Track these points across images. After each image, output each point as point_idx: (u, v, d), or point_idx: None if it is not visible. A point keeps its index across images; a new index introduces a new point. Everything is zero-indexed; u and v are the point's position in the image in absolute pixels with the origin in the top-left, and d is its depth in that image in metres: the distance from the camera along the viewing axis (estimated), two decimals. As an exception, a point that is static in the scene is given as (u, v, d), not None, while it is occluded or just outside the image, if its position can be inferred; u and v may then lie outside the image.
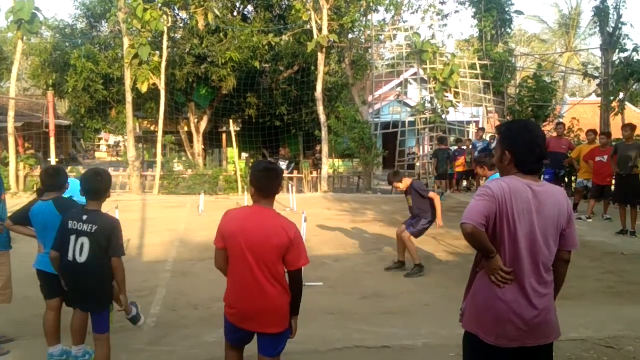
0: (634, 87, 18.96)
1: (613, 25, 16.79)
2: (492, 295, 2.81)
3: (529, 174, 2.85)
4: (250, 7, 21.99)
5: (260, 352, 3.46)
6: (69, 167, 16.72)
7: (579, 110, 22.90)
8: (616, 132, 17.26)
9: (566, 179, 15.06)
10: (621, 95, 16.31)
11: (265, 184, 3.42)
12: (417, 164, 20.30)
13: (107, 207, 5.31)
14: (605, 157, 11.21)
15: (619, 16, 16.71)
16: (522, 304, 2.78)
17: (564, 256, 2.92)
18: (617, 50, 16.67)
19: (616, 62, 16.54)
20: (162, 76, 16.07)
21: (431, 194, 7.54)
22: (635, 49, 15.55)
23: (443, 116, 17.97)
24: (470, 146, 17.10)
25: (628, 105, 19.33)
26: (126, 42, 15.96)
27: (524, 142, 2.84)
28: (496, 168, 3.02)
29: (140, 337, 5.23)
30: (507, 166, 2.88)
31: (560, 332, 2.95)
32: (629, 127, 10.53)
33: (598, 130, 16.36)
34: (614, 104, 16.30)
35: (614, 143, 12.33)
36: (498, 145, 2.96)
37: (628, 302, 6.26)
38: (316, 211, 12.31)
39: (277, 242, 3.28)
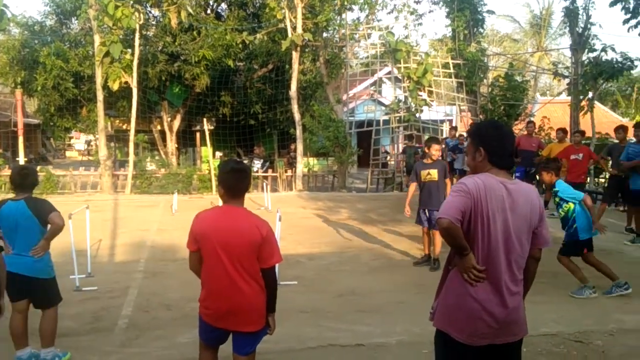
0: (602, 86, 19.35)
1: (582, 25, 17.08)
2: (465, 294, 2.81)
3: (503, 169, 2.89)
4: (224, 5, 21.82)
5: (235, 350, 3.46)
6: (39, 167, 16.39)
7: (549, 109, 23.31)
8: (586, 131, 17.61)
9: (537, 177, 15.28)
10: (590, 94, 16.61)
11: (234, 184, 3.41)
12: (391, 162, 20.39)
13: (77, 206, 5.23)
14: (581, 155, 11.36)
15: (588, 17, 17.00)
16: (494, 302, 2.78)
17: (535, 254, 2.95)
18: (586, 50, 16.96)
19: (585, 62, 16.83)
20: (135, 74, 15.84)
21: (447, 180, 7.87)
22: (603, 49, 15.83)
23: (417, 115, 18.08)
24: (444, 145, 17.23)
25: (597, 104, 19.69)
26: (97, 39, 15.68)
27: (496, 138, 2.91)
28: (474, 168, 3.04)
29: (112, 339, 5.14)
30: (481, 163, 2.90)
31: (528, 330, 2.97)
32: (621, 129, 10.54)
33: (568, 129, 16.66)
34: (584, 103, 16.59)
35: (586, 142, 12.56)
36: (470, 144, 2.99)
37: (597, 297, 6.37)
38: (291, 210, 12.28)
39: (250, 240, 3.28)
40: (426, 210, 7.80)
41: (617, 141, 10.97)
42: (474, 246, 2.79)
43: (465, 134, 17.35)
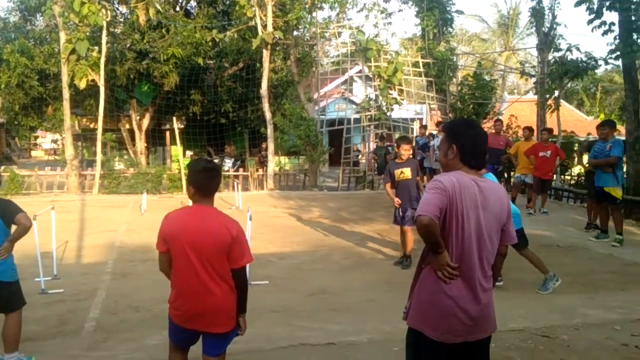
0: (568, 85, 19.73)
1: (548, 25, 17.40)
2: (438, 291, 2.82)
3: (474, 168, 2.90)
4: (193, 3, 21.60)
5: (205, 352, 3.42)
6: (3, 167, 16.01)
7: (517, 108, 23.70)
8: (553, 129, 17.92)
9: (505, 175, 15.53)
10: (556, 93, 16.93)
11: (205, 183, 3.38)
12: (362, 160, 20.47)
13: (43, 207, 5.11)
14: (549, 152, 11.61)
15: (554, 17, 17.34)
16: (468, 298, 2.80)
17: (502, 250, 3.00)
18: (552, 49, 17.29)
19: (551, 62, 17.16)
20: (102, 72, 15.56)
21: (418, 178, 7.89)
22: (569, 49, 16.14)
23: (388, 113, 18.20)
24: (414, 143, 17.33)
25: (563, 102, 20.10)
26: (63, 36, 15.35)
27: (470, 137, 2.91)
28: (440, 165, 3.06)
29: (78, 342, 5.04)
30: (452, 161, 2.91)
31: (497, 326, 3.01)
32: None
33: (535, 127, 16.92)
34: (550, 101, 16.91)
35: (552, 140, 12.79)
36: (444, 141, 3.00)
37: (563, 292, 6.51)
38: (262, 209, 12.23)
39: (220, 240, 3.25)
40: (400, 209, 7.81)
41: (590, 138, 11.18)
42: (447, 243, 2.79)
43: (434, 132, 17.55)
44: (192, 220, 3.32)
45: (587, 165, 10.67)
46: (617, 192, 8.99)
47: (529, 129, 12.88)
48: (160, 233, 3.37)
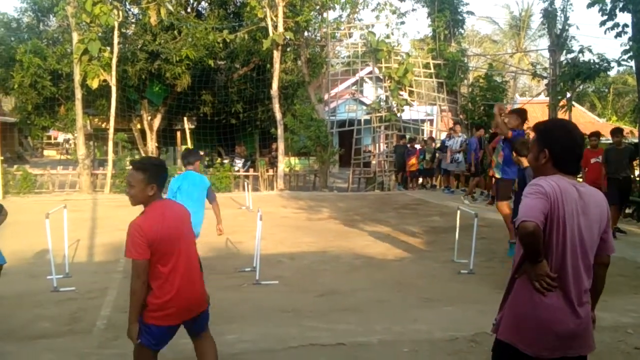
0: (580, 87, 19.58)
1: (560, 27, 17.31)
2: (535, 303, 2.63)
3: (568, 174, 2.69)
4: (204, 4, 21.70)
5: (202, 329, 3.65)
6: (15, 166, 16.15)
7: (528, 110, 23.45)
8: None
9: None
10: (568, 95, 16.81)
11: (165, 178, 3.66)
12: (373, 161, 20.45)
13: (55, 206, 5.15)
14: (600, 157, 11.31)
15: (566, 18, 17.22)
16: (567, 311, 2.62)
17: (605, 260, 2.80)
18: (564, 51, 17.17)
19: (563, 63, 17.04)
20: (113, 72, 15.67)
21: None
22: (581, 51, 16.00)
23: (398, 115, 18.18)
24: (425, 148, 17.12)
25: (575, 104, 19.97)
26: (75, 37, 15.48)
27: (564, 141, 2.71)
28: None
29: (90, 340, 5.07)
30: (544, 165, 2.73)
31: (595, 345, 2.80)
32: (620, 133, 10.45)
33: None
34: (562, 103, 16.78)
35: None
36: (535, 143, 2.79)
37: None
38: (272, 209, 12.25)
39: (189, 224, 3.68)
40: None
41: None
42: (547, 252, 2.59)
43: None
44: (167, 214, 3.48)
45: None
46: None
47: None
48: (142, 239, 3.30)
